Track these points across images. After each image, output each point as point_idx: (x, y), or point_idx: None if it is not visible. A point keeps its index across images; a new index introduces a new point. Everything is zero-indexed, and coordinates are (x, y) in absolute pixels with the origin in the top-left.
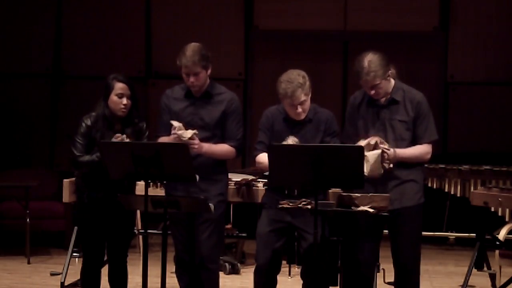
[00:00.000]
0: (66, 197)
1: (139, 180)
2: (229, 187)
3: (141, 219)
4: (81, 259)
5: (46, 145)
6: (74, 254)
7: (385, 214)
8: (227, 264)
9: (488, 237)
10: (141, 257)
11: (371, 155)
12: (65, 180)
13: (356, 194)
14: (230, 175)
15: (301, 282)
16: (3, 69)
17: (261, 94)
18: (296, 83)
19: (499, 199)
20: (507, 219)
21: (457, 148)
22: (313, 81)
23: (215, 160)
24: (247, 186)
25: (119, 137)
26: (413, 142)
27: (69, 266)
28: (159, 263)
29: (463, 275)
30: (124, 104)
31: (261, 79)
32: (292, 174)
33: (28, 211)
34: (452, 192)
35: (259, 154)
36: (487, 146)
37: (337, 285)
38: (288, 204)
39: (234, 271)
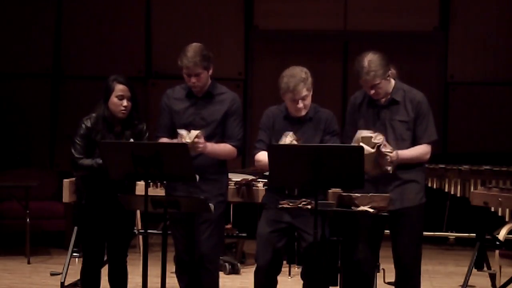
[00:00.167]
0: (66, 197)
1: (139, 180)
2: (229, 187)
3: (141, 219)
4: (81, 259)
5: (46, 145)
6: (74, 254)
7: (385, 214)
8: (227, 264)
9: (488, 237)
10: (141, 257)
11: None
12: (65, 180)
13: (356, 194)
14: (230, 175)
15: (301, 282)
16: (3, 69)
17: (261, 94)
18: (298, 77)
19: (499, 199)
20: (507, 219)
21: (457, 148)
22: (313, 81)
23: (215, 160)
24: (247, 186)
25: None
26: (413, 142)
27: (69, 266)
28: (159, 263)
29: (463, 275)
30: (124, 106)
31: (261, 79)
32: (292, 174)
33: (28, 211)
34: (452, 192)
35: (258, 152)
36: (487, 146)
37: (337, 285)
38: (288, 204)
39: (234, 271)
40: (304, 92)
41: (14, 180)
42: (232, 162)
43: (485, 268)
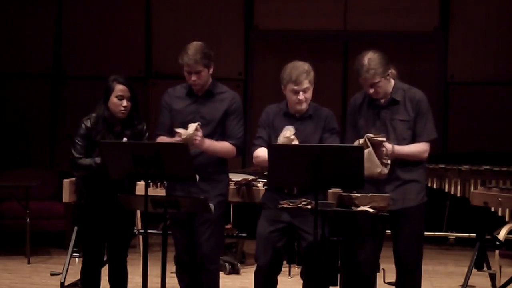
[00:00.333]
0: (66, 197)
1: (139, 180)
2: (229, 187)
3: (141, 219)
4: (81, 259)
5: (46, 145)
6: (74, 254)
7: (385, 214)
8: (227, 264)
9: (488, 237)
10: (141, 257)
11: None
12: (65, 180)
13: (356, 194)
14: (230, 175)
15: (301, 282)
16: (3, 69)
17: (261, 94)
18: (301, 69)
19: (499, 199)
20: (507, 219)
21: (457, 148)
22: (314, 78)
23: (216, 160)
24: (247, 186)
25: None
26: (413, 140)
27: (69, 266)
28: (159, 263)
29: (463, 275)
30: (124, 106)
31: (261, 79)
32: (292, 174)
33: (28, 211)
34: (452, 192)
35: (257, 149)
36: (487, 146)
37: (337, 285)
38: (288, 204)
39: (234, 271)
40: (306, 84)
41: (14, 180)
42: (232, 162)
43: (485, 268)
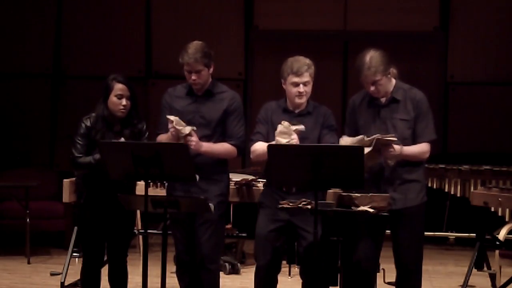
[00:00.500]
0: (66, 197)
1: (139, 180)
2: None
3: (141, 219)
4: (81, 259)
5: (46, 145)
6: (74, 254)
7: (385, 214)
8: (227, 264)
9: (488, 237)
10: (141, 257)
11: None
12: (65, 180)
13: (356, 194)
14: (230, 175)
15: (301, 281)
16: (3, 69)
17: (261, 94)
18: (302, 62)
19: (499, 199)
20: (507, 219)
21: (457, 148)
22: (314, 77)
23: (216, 160)
24: (247, 186)
25: None
26: (413, 140)
27: (69, 266)
28: (159, 263)
29: (463, 275)
30: (123, 105)
31: (261, 79)
32: (292, 174)
33: (28, 211)
34: (452, 192)
35: (254, 143)
36: (487, 146)
37: (337, 285)
38: (288, 204)
39: (234, 271)
40: (307, 77)
41: (14, 180)
42: (232, 162)
43: (485, 268)
